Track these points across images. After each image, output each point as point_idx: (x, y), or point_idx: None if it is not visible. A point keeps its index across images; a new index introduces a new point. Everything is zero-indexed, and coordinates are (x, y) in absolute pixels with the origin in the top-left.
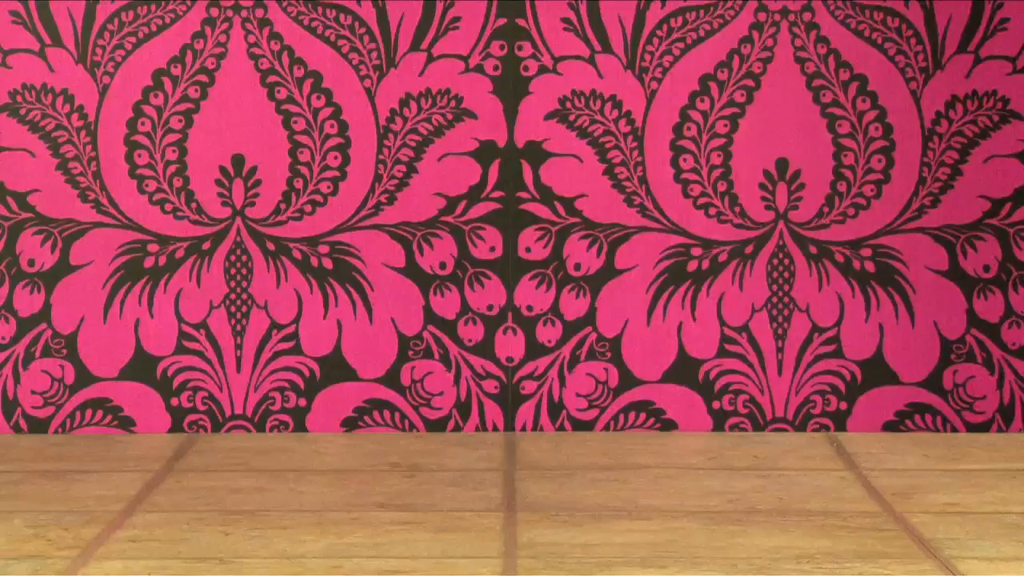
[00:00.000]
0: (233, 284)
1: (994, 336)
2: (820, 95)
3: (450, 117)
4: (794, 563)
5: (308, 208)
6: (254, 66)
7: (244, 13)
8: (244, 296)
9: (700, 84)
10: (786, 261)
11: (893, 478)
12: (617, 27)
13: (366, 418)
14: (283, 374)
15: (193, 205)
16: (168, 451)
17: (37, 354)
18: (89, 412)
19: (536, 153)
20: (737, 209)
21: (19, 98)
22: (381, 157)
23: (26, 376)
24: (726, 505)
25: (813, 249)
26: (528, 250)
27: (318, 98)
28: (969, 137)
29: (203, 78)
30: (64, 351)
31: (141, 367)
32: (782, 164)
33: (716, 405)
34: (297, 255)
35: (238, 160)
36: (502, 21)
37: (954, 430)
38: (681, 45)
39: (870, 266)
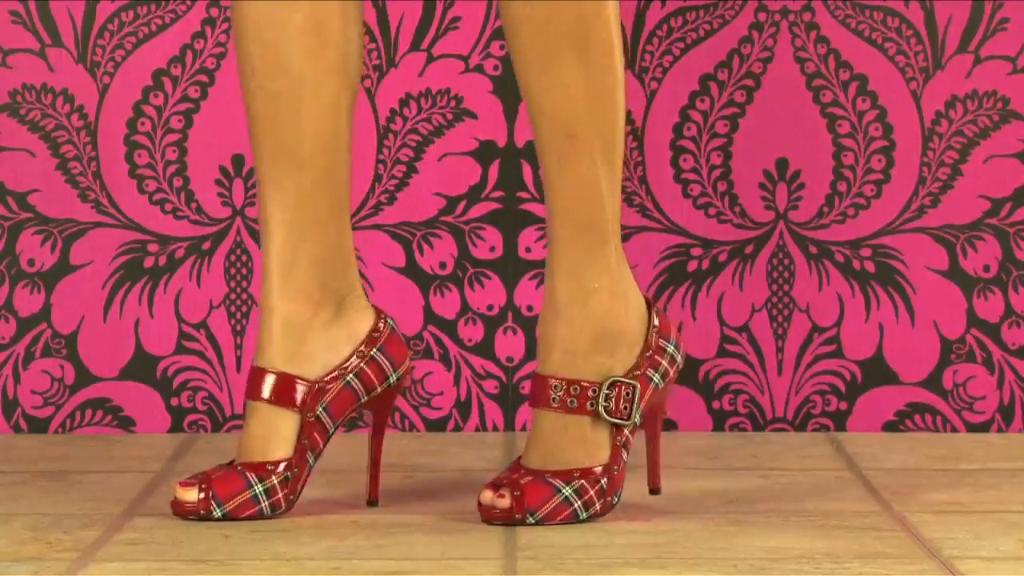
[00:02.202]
0: (233, 284)
1: (994, 336)
2: (820, 95)
3: (450, 117)
4: (794, 563)
5: None
6: None
7: None
8: (244, 296)
9: (700, 84)
10: (786, 261)
11: (893, 478)
12: None
13: (366, 418)
14: None
15: (193, 205)
16: (168, 451)
17: (37, 354)
18: (89, 412)
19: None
20: (737, 209)
21: (19, 98)
22: (381, 157)
23: (26, 376)
24: (726, 505)
25: (813, 249)
26: (528, 250)
27: None
28: (969, 137)
29: (203, 78)
30: (64, 351)
31: (141, 367)
32: (782, 164)
33: (716, 405)
34: None
35: (238, 160)
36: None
37: (954, 430)
38: (681, 45)
39: (870, 266)
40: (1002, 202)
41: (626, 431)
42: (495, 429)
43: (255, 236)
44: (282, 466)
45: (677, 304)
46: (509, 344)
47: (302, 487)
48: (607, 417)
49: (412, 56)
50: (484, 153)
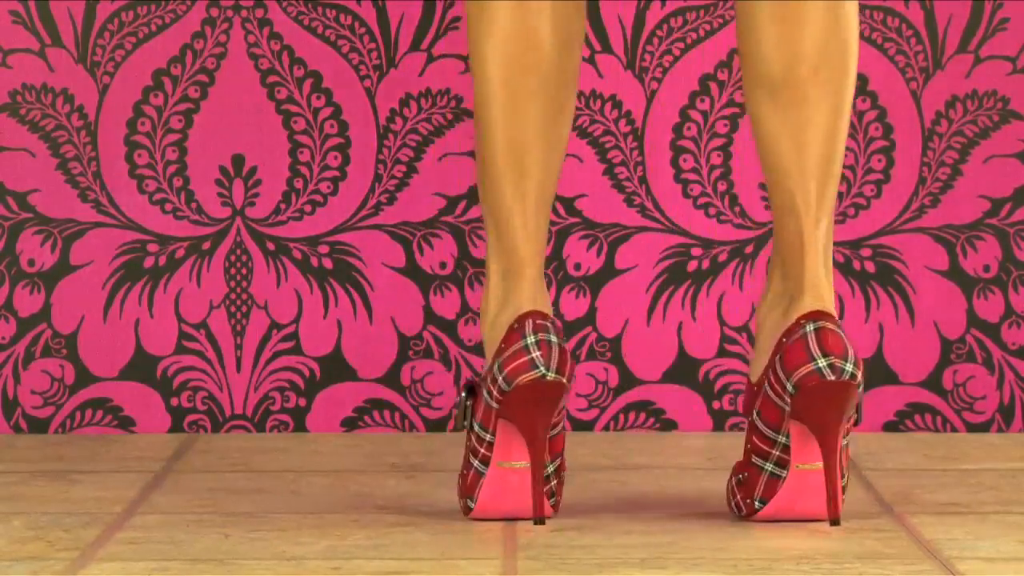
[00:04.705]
0: (233, 284)
1: (994, 336)
2: None
3: (450, 117)
4: (794, 563)
5: (308, 208)
6: (254, 66)
7: (244, 13)
8: (244, 296)
9: (700, 84)
10: None
11: (893, 478)
12: (617, 27)
13: (366, 418)
14: (283, 374)
15: (193, 205)
16: (168, 451)
17: (37, 354)
18: (89, 412)
19: None
20: (737, 209)
21: (19, 98)
22: (381, 157)
23: (26, 376)
24: (726, 505)
25: None
26: None
27: (318, 98)
28: (969, 137)
29: (203, 78)
30: (64, 351)
31: (141, 367)
32: None
33: (716, 405)
34: (297, 255)
35: (238, 160)
36: None
37: (954, 430)
38: (681, 45)
39: (870, 266)
40: (1002, 202)
41: (471, 438)
42: None
43: (255, 236)
44: (735, 468)
45: (677, 304)
46: None
47: (768, 494)
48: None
49: (412, 56)
50: None
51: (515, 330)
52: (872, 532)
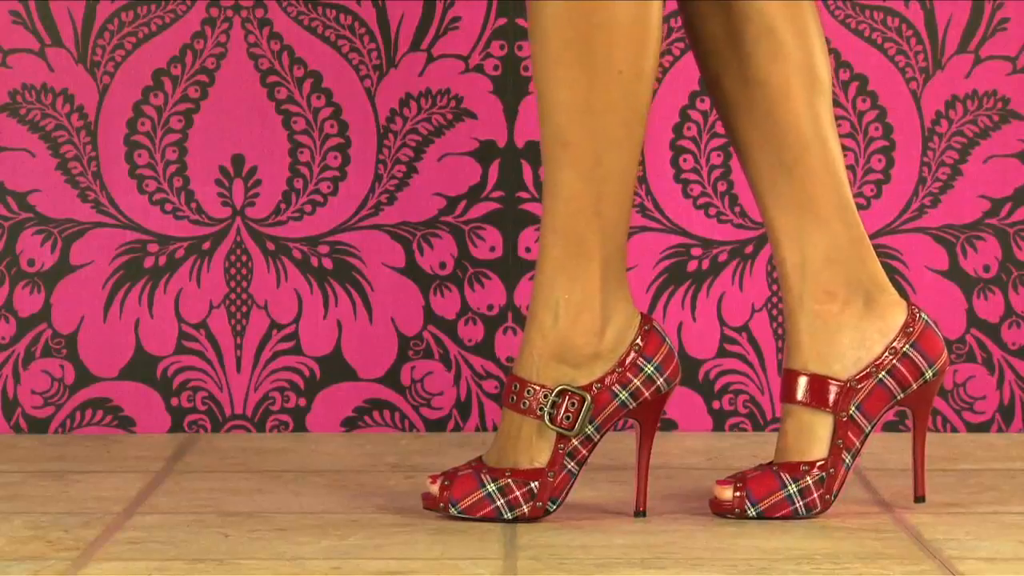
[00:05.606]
0: (233, 284)
1: (994, 336)
2: None
3: (450, 117)
4: (794, 564)
5: (308, 208)
6: (254, 66)
7: (244, 13)
8: (244, 296)
9: (700, 84)
10: None
11: (893, 478)
12: None
13: (366, 418)
14: (283, 374)
15: (193, 205)
16: (168, 451)
17: (37, 354)
18: (89, 412)
19: (536, 153)
20: (737, 209)
21: (19, 98)
22: (381, 157)
23: (26, 376)
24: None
25: None
26: (528, 250)
27: (318, 98)
28: (969, 137)
29: (203, 78)
30: (64, 351)
31: (141, 367)
32: None
33: (716, 405)
34: (297, 255)
35: (238, 160)
36: (502, 21)
37: (954, 430)
38: (681, 45)
39: None
40: (1002, 202)
41: (574, 441)
42: (495, 429)
43: (255, 236)
44: (817, 467)
45: (677, 304)
46: (509, 344)
47: (840, 487)
48: (548, 424)
49: (412, 56)
50: (484, 153)
51: (654, 332)
52: (872, 532)
